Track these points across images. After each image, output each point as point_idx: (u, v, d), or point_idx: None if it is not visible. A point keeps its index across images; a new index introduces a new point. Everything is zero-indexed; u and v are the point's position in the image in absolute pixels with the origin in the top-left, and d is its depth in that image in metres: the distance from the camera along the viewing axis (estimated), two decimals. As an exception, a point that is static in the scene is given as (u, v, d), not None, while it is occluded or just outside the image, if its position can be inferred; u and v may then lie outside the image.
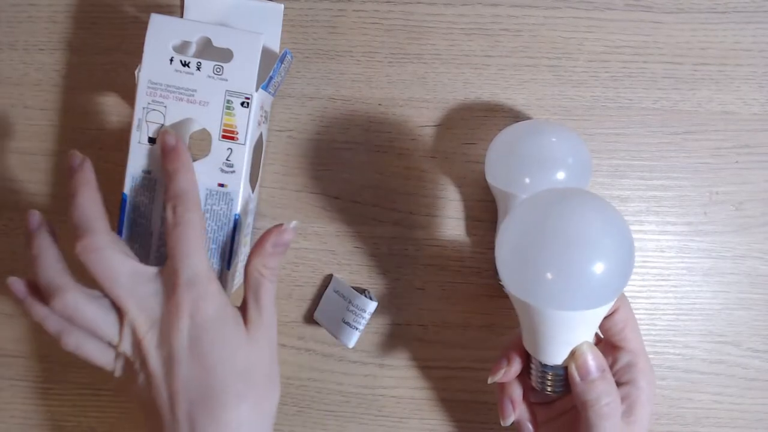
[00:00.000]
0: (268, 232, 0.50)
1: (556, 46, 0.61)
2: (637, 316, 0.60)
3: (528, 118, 0.61)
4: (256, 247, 0.50)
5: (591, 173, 0.56)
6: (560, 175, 0.54)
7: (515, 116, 0.61)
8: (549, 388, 0.49)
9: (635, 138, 0.61)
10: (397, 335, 0.61)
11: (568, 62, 0.61)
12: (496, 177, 0.56)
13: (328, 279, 0.62)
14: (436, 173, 0.62)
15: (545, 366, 0.48)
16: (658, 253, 0.61)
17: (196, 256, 0.48)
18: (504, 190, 0.55)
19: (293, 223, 0.51)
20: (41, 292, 0.48)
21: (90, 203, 0.49)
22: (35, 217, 0.50)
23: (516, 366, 0.50)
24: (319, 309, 0.62)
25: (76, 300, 0.47)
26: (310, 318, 0.62)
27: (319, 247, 0.62)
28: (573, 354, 0.47)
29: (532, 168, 0.54)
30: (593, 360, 0.47)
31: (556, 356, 0.47)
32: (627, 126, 0.61)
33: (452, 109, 0.61)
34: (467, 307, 0.61)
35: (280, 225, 0.50)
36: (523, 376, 0.51)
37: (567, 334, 0.46)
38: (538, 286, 0.44)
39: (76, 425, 0.63)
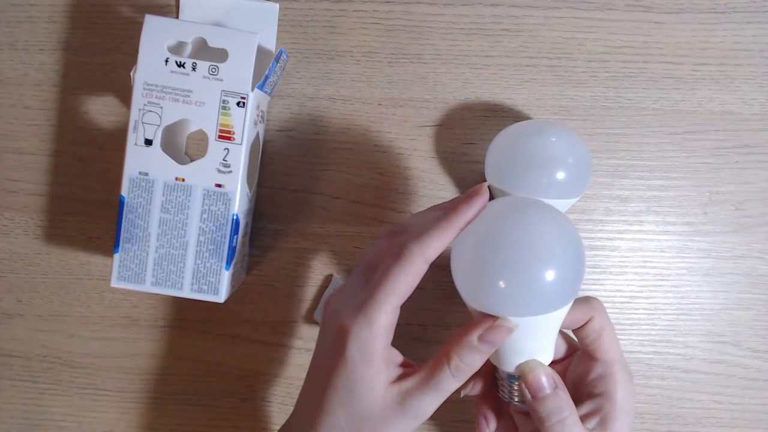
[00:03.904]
0: (481, 322, 0.43)
1: (556, 46, 0.59)
2: (636, 316, 0.59)
3: (528, 118, 0.59)
4: (463, 332, 0.43)
5: (591, 173, 0.55)
6: (560, 175, 0.52)
7: (515, 116, 0.59)
8: (516, 399, 0.47)
9: (635, 138, 0.59)
10: (397, 335, 0.58)
11: (568, 62, 0.59)
12: (496, 177, 0.54)
13: (328, 279, 0.60)
14: (436, 173, 0.60)
15: (510, 376, 0.46)
16: (658, 253, 0.60)
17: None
18: (504, 190, 0.54)
19: (512, 322, 0.43)
20: None
21: (448, 231, 0.43)
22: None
23: (483, 378, 0.49)
24: (319, 309, 0.60)
25: None
26: (310, 318, 0.60)
27: (319, 247, 0.60)
28: (523, 371, 0.45)
29: (532, 168, 0.53)
30: (544, 377, 0.45)
31: (517, 365, 0.46)
32: (627, 126, 0.59)
33: (452, 109, 0.59)
34: (467, 307, 0.59)
35: (494, 318, 0.43)
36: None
37: (525, 341, 0.44)
38: (492, 294, 0.42)
39: (76, 425, 0.61)
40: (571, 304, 0.44)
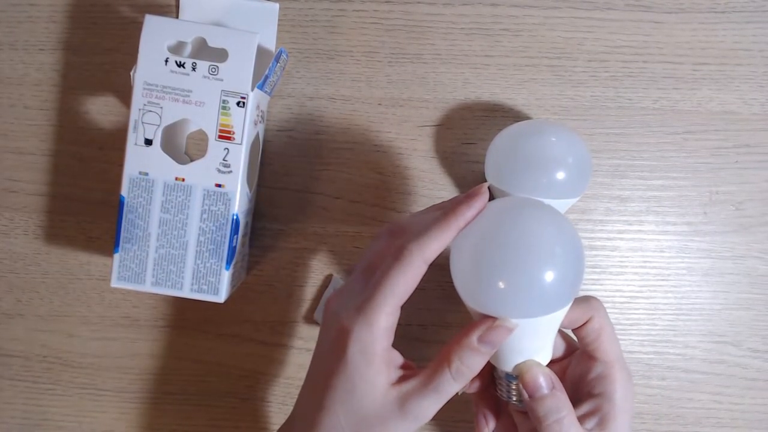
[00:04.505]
0: (480, 323, 0.43)
1: (556, 46, 0.59)
2: (636, 316, 0.59)
3: (528, 118, 0.59)
4: (462, 333, 0.43)
5: (591, 173, 0.55)
6: (560, 175, 0.52)
7: (515, 116, 0.59)
8: (514, 398, 0.47)
9: (635, 138, 0.59)
10: (397, 335, 0.58)
11: (568, 62, 0.59)
12: (496, 177, 0.54)
13: (328, 279, 0.60)
14: (436, 173, 0.59)
15: (509, 375, 0.46)
16: (658, 253, 0.59)
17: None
18: (504, 190, 0.53)
19: (511, 322, 0.42)
20: None
21: (447, 232, 0.43)
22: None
23: (481, 376, 0.48)
24: (319, 309, 0.60)
25: None
26: (310, 318, 0.60)
27: (319, 247, 0.60)
28: (520, 371, 0.45)
29: (532, 168, 0.53)
30: (541, 377, 0.45)
31: (516, 364, 0.45)
32: (627, 126, 0.59)
33: (452, 109, 0.59)
34: (467, 308, 0.59)
35: (493, 318, 0.43)
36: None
37: (523, 341, 0.44)
38: (491, 295, 0.42)
39: (76, 425, 0.61)
40: (570, 304, 0.44)
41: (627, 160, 0.59)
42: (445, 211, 0.44)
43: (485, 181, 0.56)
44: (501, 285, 0.41)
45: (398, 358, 0.44)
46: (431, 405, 0.43)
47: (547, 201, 0.46)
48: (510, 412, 0.50)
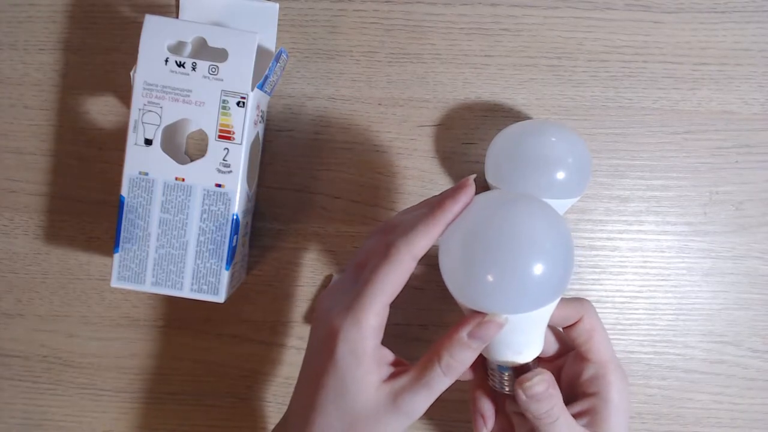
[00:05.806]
0: (471, 318, 0.43)
1: (556, 46, 0.59)
2: (636, 316, 0.59)
3: (528, 118, 0.59)
4: (453, 329, 0.43)
5: (591, 173, 0.55)
6: (560, 175, 0.52)
7: (515, 116, 0.59)
8: (506, 388, 0.47)
9: (635, 138, 0.59)
10: (397, 335, 0.59)
11: (568, 62, 0.59)
12: (496, 177, 0.54)
13: (328, 279, 0.60)
14: (436, 173, 0.59)
15: (500, 367, 0.46)
16: (658, 253, 0.59)
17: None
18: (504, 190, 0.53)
19: (502, 317, 0.42)
20: None
21: (434, 227, 0.43)
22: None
23: (473, 367, 0.48)
24: (319, 309, 0.59)
25: None
26: (309, 318, 0.60)
27: (319, 247, 0.60)
28: (524, 389, 0.44)
29: (532, 168, 0.52)
30: (539, 386, 0.44)
31: (507, 357, 0.45)
32: (627, 126, 0.59)
33: (452, 109, 0.59)
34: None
35: (482, 314, 0.42)
36: (495, 391, 0.49)
37: (513, 335, 0.44)
38: (480, 290, 0.42)
39: (76, 425, 0.61)
40: (559, 298, 0.44)
41: (627, 160, 0.59)
42: (431, 206, 0.44)
43: (485, 181, 0.56)
44: (489, 278, 0.41)
45: (389, 355, 0.44)
46: (423, 400, 0.42)
47: (547, 201, 0.46)
48: (507, 412, 0.50)
